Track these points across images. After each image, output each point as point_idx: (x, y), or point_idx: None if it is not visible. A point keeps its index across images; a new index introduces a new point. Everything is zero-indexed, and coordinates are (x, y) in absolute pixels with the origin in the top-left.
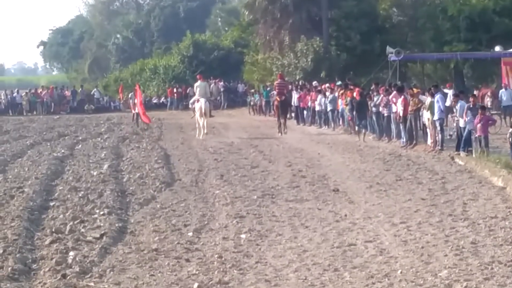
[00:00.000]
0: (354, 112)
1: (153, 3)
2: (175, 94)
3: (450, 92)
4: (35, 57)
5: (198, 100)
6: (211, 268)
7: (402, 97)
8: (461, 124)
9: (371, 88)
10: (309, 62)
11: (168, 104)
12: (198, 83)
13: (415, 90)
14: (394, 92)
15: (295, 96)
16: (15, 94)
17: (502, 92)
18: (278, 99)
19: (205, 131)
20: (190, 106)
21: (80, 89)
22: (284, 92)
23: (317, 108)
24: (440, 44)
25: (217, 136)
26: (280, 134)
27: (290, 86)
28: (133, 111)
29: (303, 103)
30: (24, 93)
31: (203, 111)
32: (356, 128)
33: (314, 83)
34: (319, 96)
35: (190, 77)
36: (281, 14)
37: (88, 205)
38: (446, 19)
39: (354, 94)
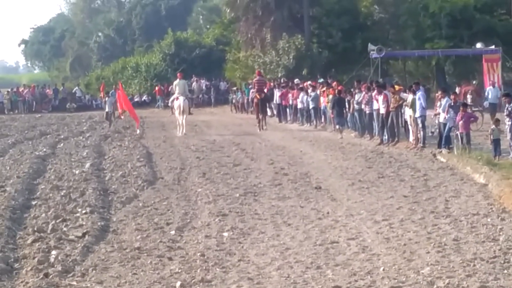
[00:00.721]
0: (333, 110)
1: (134, 1)
2: (157, 92)
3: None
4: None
5: (177, 98)
6: (193, 267)
7: (384, 94)
8: (441, 119)
9: (353, 85)
10: (291, 60)
11: (158, 102)
12: (177, 81)
13: (396, 87)
14: (376, 89)
15: (277, 93)
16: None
17: (489, 89)
18: (258, 96)
19: (184, 130)
20: (169, 104)
21: (62, 87)
22: (263, 89)
23: (299, 105)
24: (421, 41)
25: (199, 134)
26: (260, 130)
27: (272, 84)
28: (107, 110)
29: (285, 101)
30: (5, 92)
31: (181, 108)
32: (336, 126)
33: (296, 80)
34: (301, 94)
35: (172, 75)
36: (262, 11)
37: (70, 204)
38: (427, 16)
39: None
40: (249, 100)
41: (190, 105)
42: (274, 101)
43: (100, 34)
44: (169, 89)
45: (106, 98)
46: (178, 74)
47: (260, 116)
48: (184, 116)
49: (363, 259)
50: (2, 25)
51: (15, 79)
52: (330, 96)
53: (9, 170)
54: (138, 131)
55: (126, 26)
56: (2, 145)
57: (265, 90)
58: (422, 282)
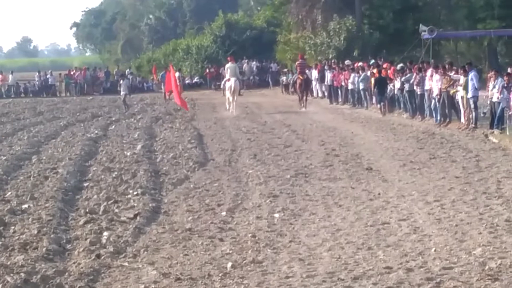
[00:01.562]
0: (375, 90)
1: None
2: (208, 75)
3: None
4: (68, 39)
5: (228, 80)
6: (244, 248)
7: (438, 74)
8: (494, 99)
9: (402, 67)
10: (341, 41)
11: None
12: (229, 64)
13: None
14: (430, 69)
15: (328, 75)
16: (48, 76)
17: None
18: (301, 77)
19: (234, 110)
20: (221, 86)
21: (116, 70)
22: (305, 71)
23: (350, 87)
24: (473, 22)
25: (250, 115)
26: (301, 109)
27: (320, 65)
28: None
29: (337, 82)
30: (58, 75)
31: (233, 89)
32: (378, 105)
33: (347, 62)
34: (352, 75)
35: (222, 57)
36: None
37: (121, 186)
38: None
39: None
40: (293, 81)
41: (241, 86)
42: (326, 82)
43: (151, 16)
44: (220, 71)
45: (121, 81)
46: (228, 58)
47: (302, 96)
48: (235, 97)
49: (414, 240)
50: (54, 8)
51: (67, 62)
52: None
53: (61, 152)
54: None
55: (177, 8)
56: (54, 128)
57: (307, 72)
58: (474, 263)
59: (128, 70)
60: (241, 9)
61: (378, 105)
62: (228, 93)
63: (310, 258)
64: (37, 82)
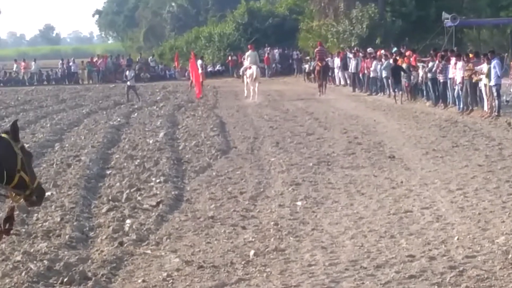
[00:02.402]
0: (391, 77)
1: None
2: (230, 62)
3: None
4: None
5: (249, 67)
6: (267, 236)
7: (461, 62)
8: None
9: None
10: (364, 29)
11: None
12: (249, 52)
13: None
14: (454, 58)
15: (352, 63)
16: (71, 63)
17: None
18: (320, 64)
19: (256, 97)
20: (241, 73)
21: (139, 57)
22: (324, 57)
23: (372, 74)
24: (496, 10)
25: (272, 103)
26: (320, 95)
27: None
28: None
29: (360, 70)
30: (80, 62)
31: (254, 76)
32: (392, 92)
33: (369, 49)
34: (374, 63)
35: (244, 45)
36: None
37: (144, 173)
38: None
39: (410, 60)
40: (312, 68)
41: (261, 74)
42: (350, 70)
43: (173, 4)
44: (242, 59)
45: (127, 72)
46: (249, 46)
47: (321, 83)
48: (256, 84)
49: (437, 229)
50: None
51: (89, 49)
52: (404, 65)
53: (84, 140)
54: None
55: None
56: (77, 115)
57: (325, 59)
58: (497, 251)
59: (150, 57)
60: None
61: (393, 93)
62: (248, 81)
63: (333, 246)
64: (59, 70)
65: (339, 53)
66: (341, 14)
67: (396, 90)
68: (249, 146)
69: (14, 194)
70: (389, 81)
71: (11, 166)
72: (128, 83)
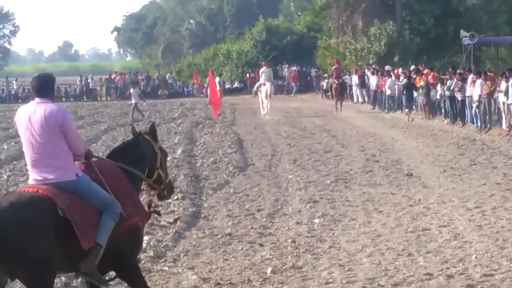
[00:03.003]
0: (403, 94)
1: None
2: (248, 79)
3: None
4: (109, 43)
5: (264, 84)
6: (284, 253)
7: (480, 80)
8: None
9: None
10: (382, 46)
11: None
12: (263, 69)
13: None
14: (472, 75)
15: (373, 80)
16: (89, 80)
17: None
18: (336, 82)
19: (267, 112)
20: (254, 89)
21: (157, 74)
22: (341, 75)
23: (387, 92)
24: None
25: (290, 120)
26: (336, 112)
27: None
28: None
29: (379, 88)
30: (98, 79)
31: (268, 93)
32: (406, 109)
33: (387, 67)
34: (389, 80)
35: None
36: None
37: None
38: None
39: (428, 78)
40: (330, 85)
41: (275, 91)
42: (371, 87)
43: (191, 21)
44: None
45: (131, 90)
46: (263, 63)
47: (338, 100)
48: (269, 99)
49: (455, 247)
50: (95, 12)
51: (108, 66)
52: (422, 83)
53: (102, 156)
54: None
55: (217, 13)
56: (95, 132)
57: (342, 77)
58: None
59: (168, 74)
60: (281, 14)
61: (406, 110)
62: (263, 96)
63: (350, 264)
64: (78, 87)
65: (357, 71)
66: (359, 31)
67: (408, 107)
68: (266, 163)
69: (150, 189)
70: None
71: (153, 164)
72: (133, 101)
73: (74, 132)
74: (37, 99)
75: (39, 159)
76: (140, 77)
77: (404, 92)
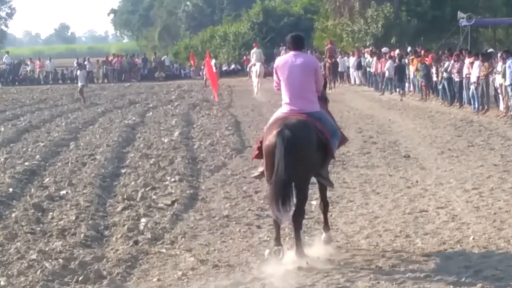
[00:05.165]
0: (394, 75)
1: None
2: (245, 61)
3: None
4: (106, 25)
5: (254, 64)
6: (282, 235)
7: (479, 61)
8: None
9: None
10: (379, 28)
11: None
12: (254, 49)
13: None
14: (468, 58)
15: (374, 62)
16: (86, 62)
17: None
18: (329, 61)
19: (258, 93)
20: (247, 69)
21: (153, 56)
22: (334, 55)
23: (386, 74)
24: None
25: None
26: (329, 90)
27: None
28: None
29: (375, 69)
30: (95, 61)
31: (258, 73)
32: (397, 89)
33: (384, 49)
34: (388, 62)
35: (260, 44)
36: None
37: (159, 172)
38: None
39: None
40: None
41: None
42: (371, 69)
43: (188, 3)
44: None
45: (78, 72)
46: (254, 44)
47: (331, 79)
48: (260, 79)
49: (452, 228)
50: None
51: (105, 48)
52: (419, 65)
53: (99, 139)
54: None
55: None
56: (92, 114)
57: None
58: None
59: (165, 56)
60: None
61: (397, 90)
62: (254, 76)
63: (348, 246)
64: (75, 69)
65: (354, 53)
66: (356, 13)
67: (400, 87)
68: None
69: None
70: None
71: None
72: (79, 83)
73: (320, 75)
74: (293, 52)
75: (298, 94)
76: (137, 60)
77: (395, 73)
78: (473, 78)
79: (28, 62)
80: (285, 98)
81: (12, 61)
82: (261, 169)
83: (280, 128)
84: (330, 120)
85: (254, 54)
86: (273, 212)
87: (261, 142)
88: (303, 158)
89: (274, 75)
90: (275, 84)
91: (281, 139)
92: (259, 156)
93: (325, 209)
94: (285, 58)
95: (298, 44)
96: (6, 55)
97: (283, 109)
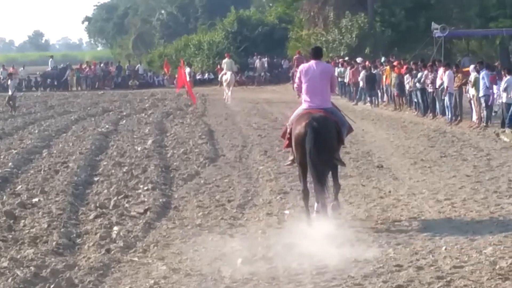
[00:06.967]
0: (365, 85)
1: None
2: (219, 70)
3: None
4: (80, 33)
5: (225, 73)
6: (254, 244)
7: (450, 72)
8: (504, 99)
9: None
10: (353, 38)
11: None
12: (225, 60)
13: (464, 70)
14: (442, 68)
15: (347, 72)
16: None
17: None
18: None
19: (229, 101)
20: (219, 79)
21: (127, 64)
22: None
23: (361, 84)
24: (485, 20)
25: (261, 112)
26: (298, 99)
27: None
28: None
29: (349, 80)
30: (69, 69)
31: (228, 81)
32: (368, 98)
33: (358, 59)
34: (362, 72)
35: (234, 53)
36: None
37: (132, 180)
38: None
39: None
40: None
41: (235, 79)
42: (342, 79)
43: (163, 11)
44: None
45: (9, 81)
46: (226, 54)
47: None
48: (230, 87)
49: (425, 238)
50: (66, 2)
51: (79, 56)
52: (393, 75)
53: (72, 147)
54: (195, 106)
55: (189, 4)
56: (65, 122)
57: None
58: (485, 262)
59: (138, 65)
60: (253, 5)
61: (368, 99)
62: (224, 85)
63: (321, 255)
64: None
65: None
66: (330, 23)
67: (371, 97)
68: (237, 154)
69: None
70: (378, 90)
71: None
72: (9, 92)
73: (335, 79)
74: (314, 61)
75: (317, 93)
76: (110, 68)
77: (366, 82)
78: (446, 89)
79: (1, 69)
80: (306, 96)
81: None
82: (291, 157)
83: (308, 121)
84: (340, 113)
85: (225, 63)
86: (305, 187)
87: (289, 134)
88: (327, 143)
89: (297, 78)
90: (295, 86)
91: (311, 129)
92: (288, 145)
93: (337, 190)
94: (308, 65)
95: (318, 54)
96: None
97: (303, 106)
